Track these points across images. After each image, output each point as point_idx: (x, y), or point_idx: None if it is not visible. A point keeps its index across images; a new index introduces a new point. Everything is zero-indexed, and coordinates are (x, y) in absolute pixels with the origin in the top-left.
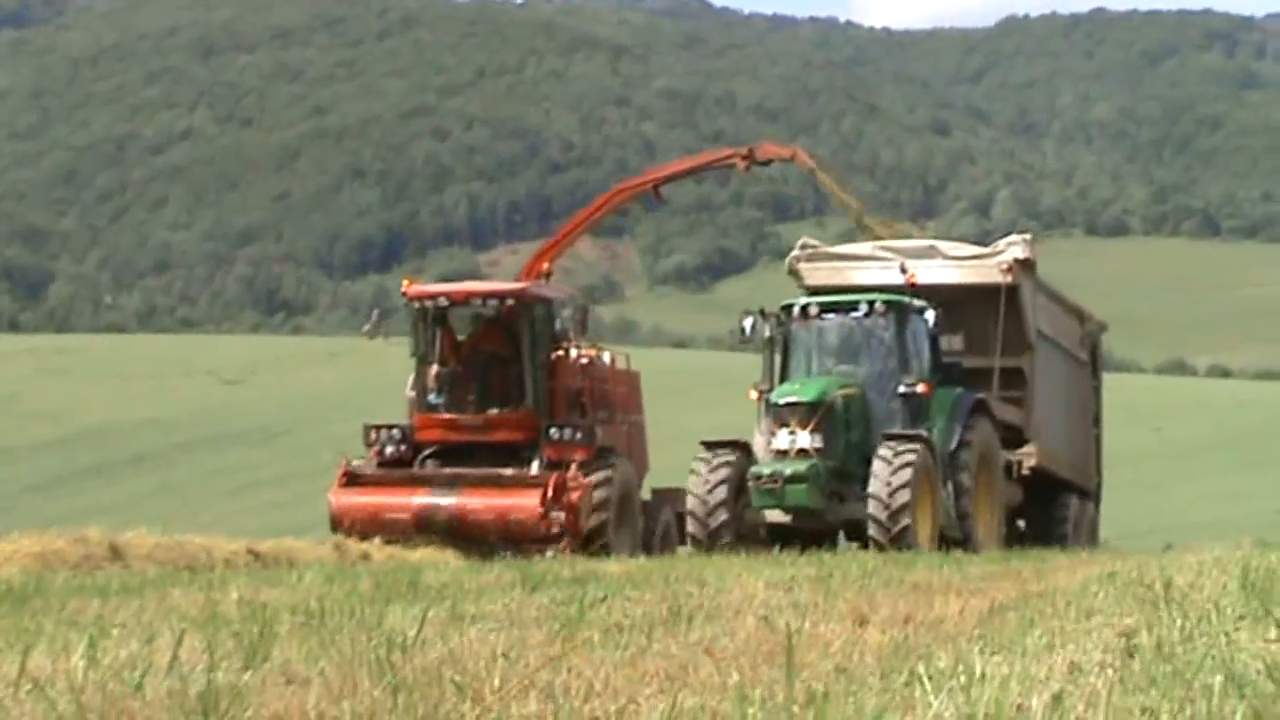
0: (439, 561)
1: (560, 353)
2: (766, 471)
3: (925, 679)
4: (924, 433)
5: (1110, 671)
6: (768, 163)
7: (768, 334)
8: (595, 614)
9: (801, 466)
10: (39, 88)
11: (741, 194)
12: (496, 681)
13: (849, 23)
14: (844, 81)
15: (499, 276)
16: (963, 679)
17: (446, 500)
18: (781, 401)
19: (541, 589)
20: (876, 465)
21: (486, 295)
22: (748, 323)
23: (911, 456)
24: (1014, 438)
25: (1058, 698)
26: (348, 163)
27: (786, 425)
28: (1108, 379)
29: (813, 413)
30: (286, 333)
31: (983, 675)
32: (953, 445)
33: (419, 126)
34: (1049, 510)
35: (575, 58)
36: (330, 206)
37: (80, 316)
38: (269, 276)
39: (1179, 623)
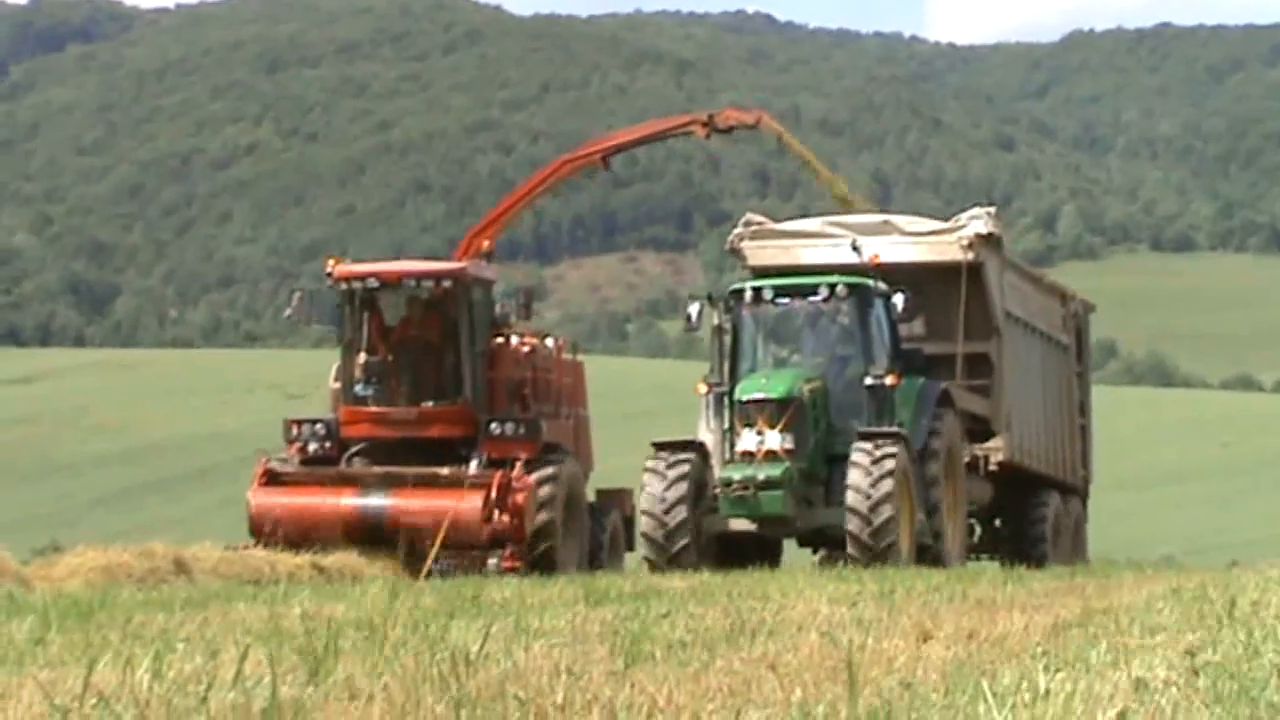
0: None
1: (500, 340)
2: (737, 477)
3: (989, 696)
4: (901, 429)
5: (1175, 689)
6: (730, 130)
7: (716, 321)
8: (658, 630)
9: (775, 471)
10: (105, 102)
11: (808, 208)
12: (560, 697)
13: (914, 37)
14: (909, 96)
15: (563, 291)
16: (1027, 696)
17: (379, 502)
18: (746, 398)
19: (604, 604)
20: (854, 470)
21: (420, 276)
22: (693, 309)
23: (891, 461)
24: (981, 429)
25: (1122, 715)
26: (412, 177)
27: (752, 424)
28: (1174, 394)
29: (782, 410)
30: None
31: (1047, 692)
32: (920, 443)
33: (483, 141)
34: (1025, 508)
35: (639, 72)
36: (395, 221)
37: (145, 331)
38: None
39: (1244, 639)
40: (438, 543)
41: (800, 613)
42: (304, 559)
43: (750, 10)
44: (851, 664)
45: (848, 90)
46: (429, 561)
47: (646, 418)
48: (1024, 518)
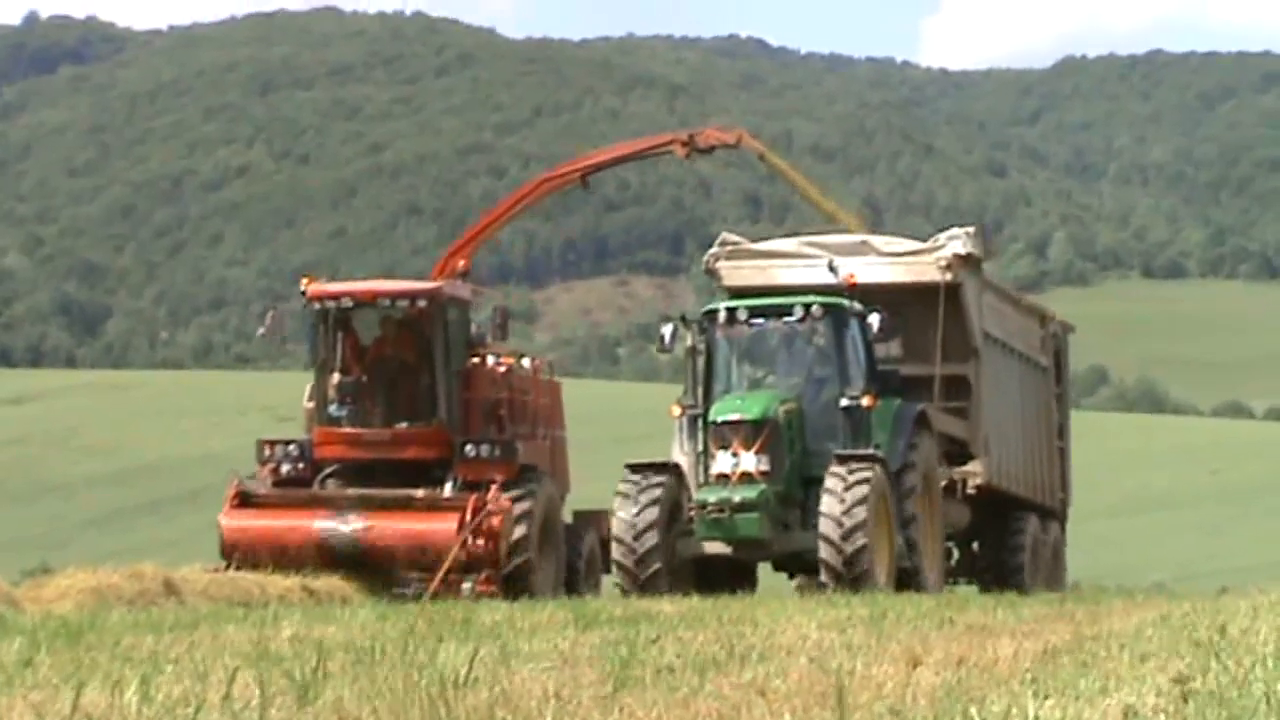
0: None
1: (476, 360)
2: (712, 499)
3: None
4: (878, 452)
5: (1164, 716)
6: (710, 149)
7: (690, 343)
8: (648, 654)
9: (751, 493)
10: (98, 124)
11: (799, 233)
12: None
13: (906, 63)
14: (900, 122)
15: (554, 315)
16: None
17: (352, 525)
18: (721, 419)
19: (594, 628)
20: (828, 492)
21: (395, 295)
22: (667, 330)
23: (866, 480)
24: (959, 452)
25: None
26: (404, 200)
27: (727, 446)
28: (1165, 420)
29: (757, 432)
30: None
31: (1036, 719)
32: (896, 465)
33: (475, 164)
34: (1003, 532)
35: (632, 96)
36: (386, 244)
37: (136, 352)
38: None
39: (1233, 667)
40: (445, 566)
41: (790, 638)
42: (294, 581)
43: (743, 35)
44: (841, 689)
45: (840, 115)
46: (432, 587)
47: (638, 441)
48: (1002, 542)
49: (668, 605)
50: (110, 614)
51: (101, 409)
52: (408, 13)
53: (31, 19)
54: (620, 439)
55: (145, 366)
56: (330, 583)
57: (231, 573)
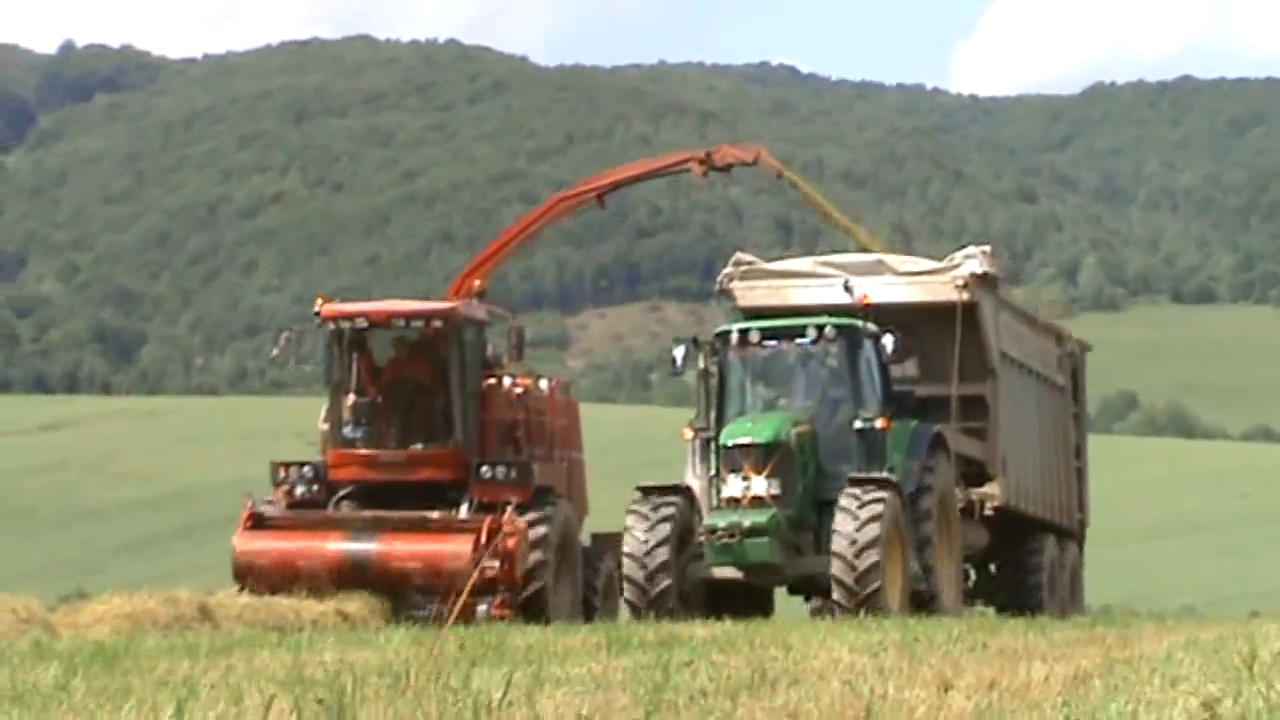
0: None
1: (492, 381)
2: (722, 524)
3: None
4: (891, 476)
5: None
6: (728, 168)
7: (702, 364)
8: (680, 678)
9: (761, 517)
10: (133, 152)
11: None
12: None
13: (936, 89)
14: (931, 148)
15: (586, 340)
16: None
17: (367, 547)
18: (731, 443)
19: (626, 652)
20: (840, 516)
21: (410, 315)
22: (679, 352)
23: (879, 506)
24: (976, 473)
25: None
26: (437, 227)
27: (738, 470)
28: (1194, 445)
29: (768, 455)
30: None
31: None
32: (912, 488)
33: (508, 191)
34: (1020, 553)
35: (663, 123)
36: (420, 270)
37: (171, 379)
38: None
39: (1264, 692)
40: (465, 592)
41: (821, 662)
42: (328, 606)
43: (774, 62)
44: (872, 713)
45: (870, 142)
46: (453, 613)
47: (668, 466)
48: (1020, 563)
49: (699, 629)
50: (145, 639)
51: (137, 435)
52: (441, 40)
53: (68, 48)
54: (651, 463)
55: (180, 393)
56: (364, 607)
57: (266, 598)
